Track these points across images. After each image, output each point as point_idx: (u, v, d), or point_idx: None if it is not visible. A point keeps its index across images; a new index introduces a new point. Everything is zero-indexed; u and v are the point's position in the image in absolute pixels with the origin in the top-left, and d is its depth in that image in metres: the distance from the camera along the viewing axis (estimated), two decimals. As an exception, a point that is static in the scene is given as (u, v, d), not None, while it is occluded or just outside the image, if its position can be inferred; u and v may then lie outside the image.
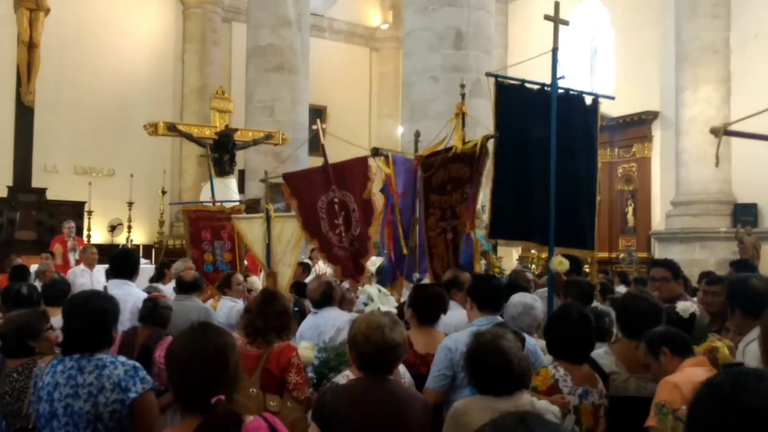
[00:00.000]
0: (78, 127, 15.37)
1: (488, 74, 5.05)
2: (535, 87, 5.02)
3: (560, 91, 4.99)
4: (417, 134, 6.70)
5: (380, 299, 4.57)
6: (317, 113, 17.97)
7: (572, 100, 5.12)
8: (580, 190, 5.03)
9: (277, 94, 13.70)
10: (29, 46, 13.28)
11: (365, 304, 4.53)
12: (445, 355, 3.44)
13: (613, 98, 5.88)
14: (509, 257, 13.26)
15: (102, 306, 2.84)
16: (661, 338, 3.08)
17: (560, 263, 4.65)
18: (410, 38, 9.96)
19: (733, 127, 6.40)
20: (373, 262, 6.93)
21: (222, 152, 11.48)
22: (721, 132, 5.62)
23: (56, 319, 4.64)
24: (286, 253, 6.89)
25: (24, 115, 13.48)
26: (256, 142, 12.06)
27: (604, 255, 15.06)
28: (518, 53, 17.02)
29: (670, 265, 4.93)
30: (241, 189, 13.37)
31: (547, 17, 5.19)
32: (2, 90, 14.09)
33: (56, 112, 14.80)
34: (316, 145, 17.56)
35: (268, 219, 6.93)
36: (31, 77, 13.35)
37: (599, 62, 16.90)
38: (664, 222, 13.79)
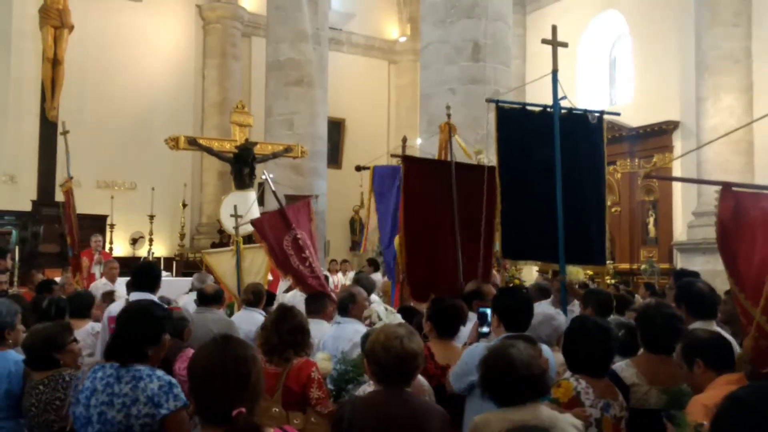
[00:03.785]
0: (100, 141, 15.56)
1: (488, 100, 5.32)
2: (537, 109, 5.18)
3: (563, 111, 5.09)
4: (404, 140, 7.28)
5: (388, 317, 4.58)
6: (336, 126, 18.09)
7: (575, 119, 5.24)
8: (588, 207, 5.15)
9: (296, 107, 13.80)
10: (53, 63, 13.51)
11: (372, 324, 4.49)
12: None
13: (618, 114, 6.06)
14: (529, 268, 13.17)
15: (150, 319, 2.83)
16: (697, 348, 2.96)
17: (576, 272, 4.73)
18: (428, 51, 9.99)
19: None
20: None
21: (242, 165, 11.57)
22: (642, 176, 6.23)
23: (80, 332, 4.71)
24: None
25: (48, 130, 13.69)
26: (275, 156, 12.13)
27: (626, 266, 14.92)
28: (536, 65, 16.98)
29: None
30: (261, 201, 13.46)
31: (544, 41, 5.40)
32: (27, 105, 14.37)
33: (79, 127, 14.90)
34: (335, 158, 17.73)
35: (238, 252, 7.17)
36: (55, 93, 13.57)
37: (618, 72, 16.83)
38: (686, 233, 13.63)
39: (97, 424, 2.61)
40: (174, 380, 2.77)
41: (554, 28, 5.40)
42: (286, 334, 3.51)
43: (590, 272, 11.83)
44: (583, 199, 5.11)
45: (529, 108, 5.19)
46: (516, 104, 5.24)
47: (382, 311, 4.67)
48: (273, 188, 7.61)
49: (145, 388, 2.63)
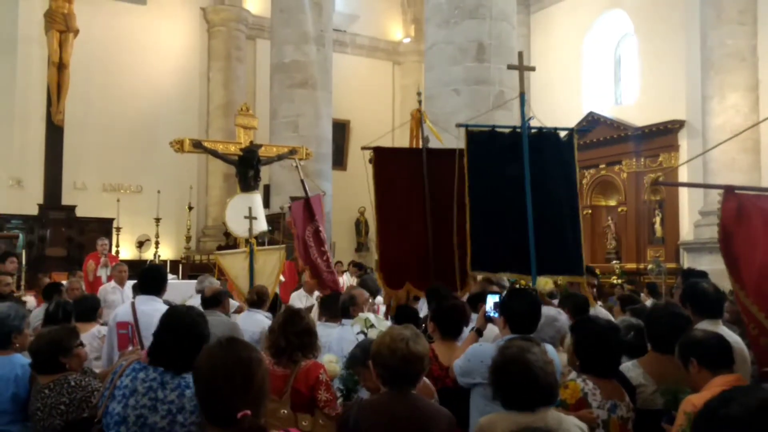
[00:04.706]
0: (106, 144, 15.64)
1: (458, 125, 5.64)
2: (507, 130, 5.49)
3: (533, 130, 5.36)
4: (426, 139, 7.58)
5: (378, 323, 4.56)
6: (341, 127, 18.09)
7: (545, 137, 5.47)
8: (562, 221, 5.38)
9: (301, 109, 13.82)
10: (59, 67, 13.55)
11: (364, 333, 4.47)
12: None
13: (588, 130, 6.51)
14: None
15: (203, 332, 2.74)
16: (691, 347, 2.95)
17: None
18: (432, 51, 9.98)
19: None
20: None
21: (247, 168, 11.58)
22: (649, 184, 6.61)
23: (86, 335, 4.72)
24: (267, 285, 7.07)
25: (54, 134, 13.74)
26: (280, 158, 12.15)
27: (632, 266, 14.88)
28: (541, 65, 16.89)
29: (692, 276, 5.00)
30: (266, 204, 13.47)
31: (510, 66, 5.70)
32: (33, 110, 14.43)
33: (85, 131, 15.08)
34: (340, 160, 17.72)
35: (251, 253, 7.20)
36: (60, 97, 13.62)
37: (624, 71, 16.77)
38: (693, 232, 13.58)
39: (134, 426, 2.57)
40: None
41: (520, 55, 5.74)
42: (294, 337, 3.50)
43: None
44: (558, 214, 5.35)
45: (498, 129, 5.51)
46: (485, 127, 5.60)
47: (372, 317, 4.66)
48: (302, 176, 7.69)
49: (192, 398, 2.57)
